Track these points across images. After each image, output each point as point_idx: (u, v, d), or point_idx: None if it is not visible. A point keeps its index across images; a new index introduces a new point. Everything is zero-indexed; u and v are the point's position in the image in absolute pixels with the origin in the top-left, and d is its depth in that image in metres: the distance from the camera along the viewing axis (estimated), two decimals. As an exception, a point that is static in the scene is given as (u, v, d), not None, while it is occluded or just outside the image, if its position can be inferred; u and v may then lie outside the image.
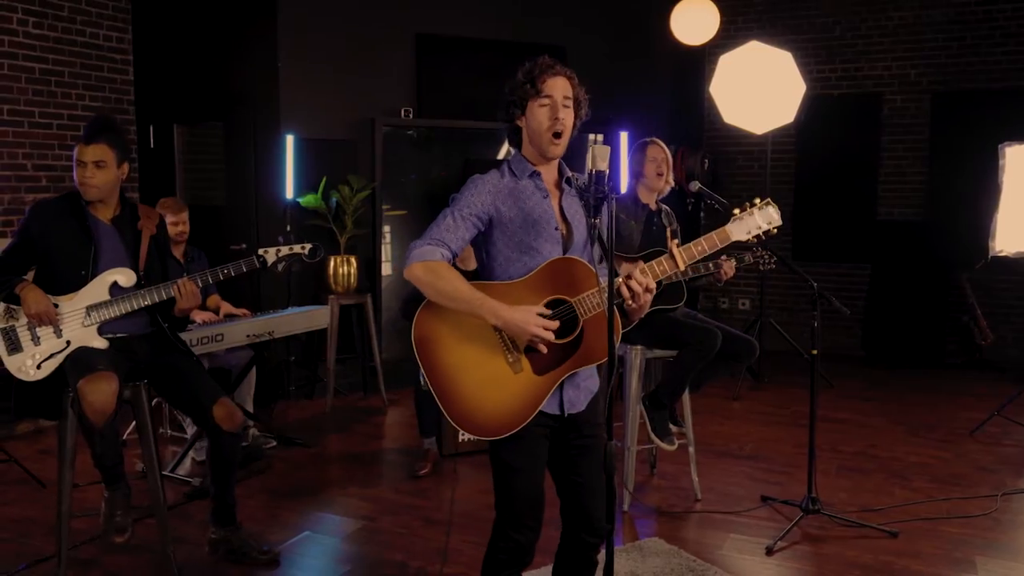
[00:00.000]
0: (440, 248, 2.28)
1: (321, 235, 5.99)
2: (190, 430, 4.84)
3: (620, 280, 2.28)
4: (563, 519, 2.51)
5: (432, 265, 2.26)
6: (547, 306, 2.30)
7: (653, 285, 2.31)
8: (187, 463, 4.70)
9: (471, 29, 6.61)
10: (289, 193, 5.90)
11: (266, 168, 6.02)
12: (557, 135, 2.33)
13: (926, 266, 7.26)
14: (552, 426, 2.39)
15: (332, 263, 5.85)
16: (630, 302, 2.29)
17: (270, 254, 3.39)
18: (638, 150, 4.17)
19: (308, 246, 3.45)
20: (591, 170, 2.16)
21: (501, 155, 6.84)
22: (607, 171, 2.17)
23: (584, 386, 2.43)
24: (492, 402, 2.30)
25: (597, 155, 2.16)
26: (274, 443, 5.04)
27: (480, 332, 2.30)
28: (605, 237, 2.22)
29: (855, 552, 3.59)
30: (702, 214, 7.71)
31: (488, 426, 2.30)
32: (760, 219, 2.49)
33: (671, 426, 4.13)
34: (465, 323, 2.29)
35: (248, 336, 4.56)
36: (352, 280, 5.92)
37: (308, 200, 5.86)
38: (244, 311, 4.80)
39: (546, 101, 2.32)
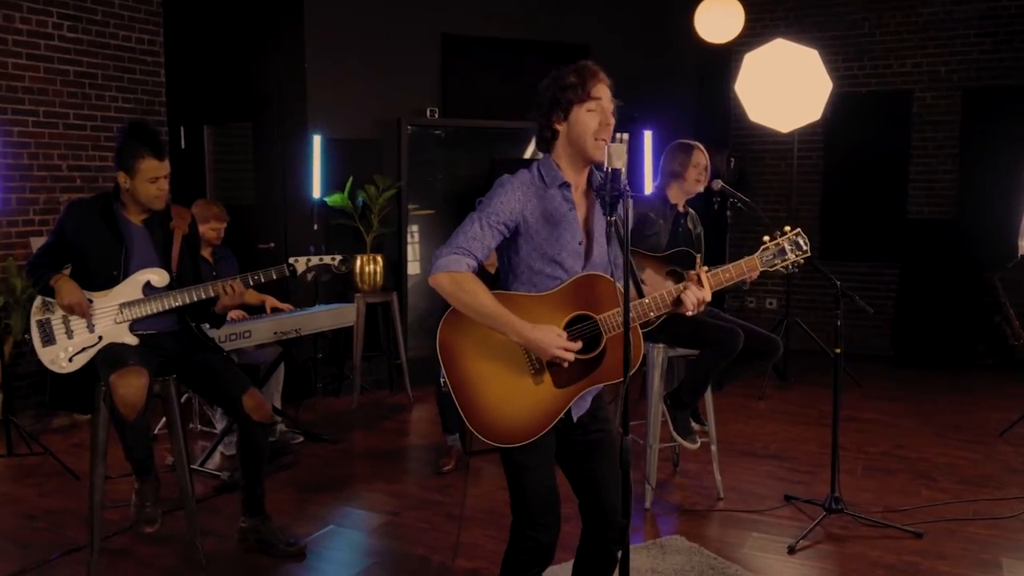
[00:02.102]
0: (465, 257, 2.29)
1: (347, 234, 6.06)
2: (219, 425, 4.93)
3: (680, 287, 2.32)
4: (583, 517, 2.52)
5: (457, 276, 2.27)
6: (572, 322, 2.33)
7: (709, 296, 2.37)
8: (216, 457, 4.79)
9: (496, 29, 6.65)
10: (316, 192, 5.97)
11: (294, 168, 6.11)
12: (602, 142, 2.32)
13: (957, 265, 7.18)
14: (558, 427, 2.41)
15: (358, 262, 5.92)
16: (691, 312, 2.36)
17: (300, 263, 3.46)
18: (681, 152, 4.15)
19: (338, 257, 3.52)
20: (607, 168, 2.18)
21: (527, 155, 6.87)
22: (623, 169, 2.19)
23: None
24: (512, 413, 2.32)
25: (613, 154, 2.17)
26: (301, 439, 5.11)
27: (504, 344, 2.31)
28: (623, 243, 2.21)
29: (878, 552, 3.58)
30: (728, 213, 7.67)
31: (506, 435, 2.33)
32: (789, 249, 2.52)
33: (693, 424, 4.14)
34: (489, 334, 2.31)
35: (275, 333, 4.63)
36: (378, 279, 5.99)
37: (335, 199, 5.93)
38: (288, 306, 4.90)
39: (594, 106, 2.32)
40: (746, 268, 2.48)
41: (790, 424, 5.55)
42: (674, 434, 4.05)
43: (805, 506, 4.05)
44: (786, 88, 5.77)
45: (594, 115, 2.33)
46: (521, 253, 2.37)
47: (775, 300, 8.18)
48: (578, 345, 2.29)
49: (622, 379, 2.27)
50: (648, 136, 6.68)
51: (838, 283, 3.79)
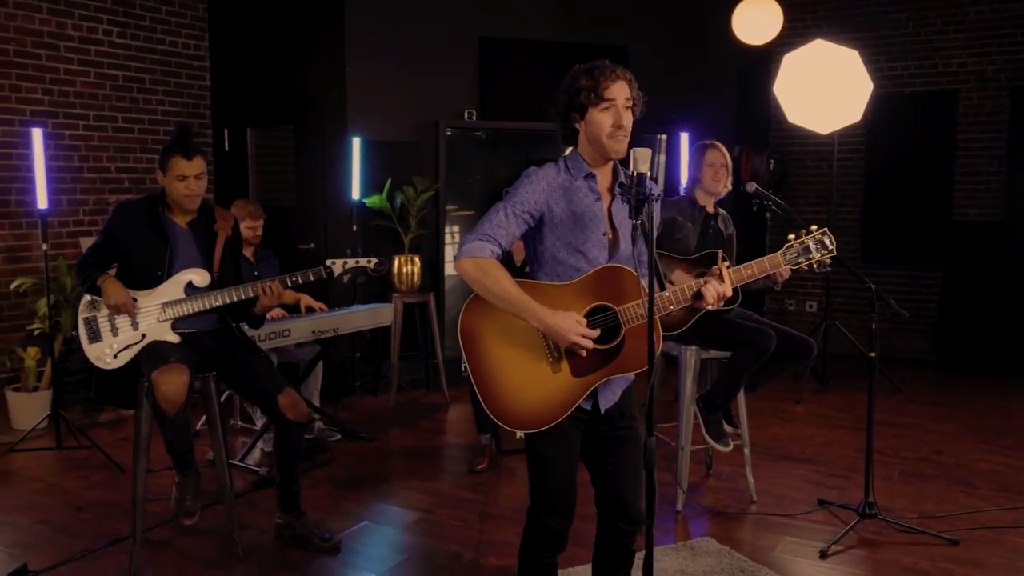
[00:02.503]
0: (490, 244, 2.35)
1: (385, 235, 6.15)
2: (259, 422, 5.04)
3: (700, 282, 2.33)
4: (598, 508, 2.57)
5: (481, 262, 2.33)
6: (592, 312, 2.36)
7: (730, 291, 2.40)
8: (256, 453, 4.90)
9: (534, 32, 6.69)
10: (355, 194, 6.07)
11: (334, 169, 6.21)
12: (619, 137, 2.37)
13: (1003, 268, 7.03)
14: (585, 419, 2.45)
15: (396, 262, 6.00)
16: (711, 307, 2.38)
17: (337, 265, 3.53)
18: (697, 153, 4.17)
19: (374, 260, 3.59)
20: (632, 172, 2.21)
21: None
22: (648, 173, 2.22)
23: (618, 380, 2.47)
24: (528, 399, 2.37)
25: (638, 158, 2.20)
26: (338, 436, 5.20)
27: (524, 331, 2.37)
28: (648, 241, 2.25)
29: (912, 559, 3.55)
30: (767, 215, 7.62)
31: (522, 420, 2.39)
32: (814, 249, 2.52)
33: (726, 427, 4.13)
34: (510, 321, 2.36)
35: (313, 332, 4.73)
36: (416, 279, 6.06)
37: (373, 201, 6.02)
38: (322, 305, 4.98)
39: (607, 106, 2.36)
40: (769, 265, 2.49)
41: (827, 428, 5.50)
42: (706, 436, 4.05)
43: (839, 511, 4.02)
44: (826, 89, 5.72)
45: (608, 115, 2.37)
46: (546, 242, 2.42)
47: (815, 303, 8.10)
48: (596, 333, 2.32)
49: (641, 369, 2.32)
50: (684, 138, 6.67)
51: (873, 286, 3.76)
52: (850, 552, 3.63)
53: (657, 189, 2.34)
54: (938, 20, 7.50)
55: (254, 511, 4.07)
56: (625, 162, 2.49)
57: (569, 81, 2.44)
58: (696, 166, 4.14)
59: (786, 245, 2.53)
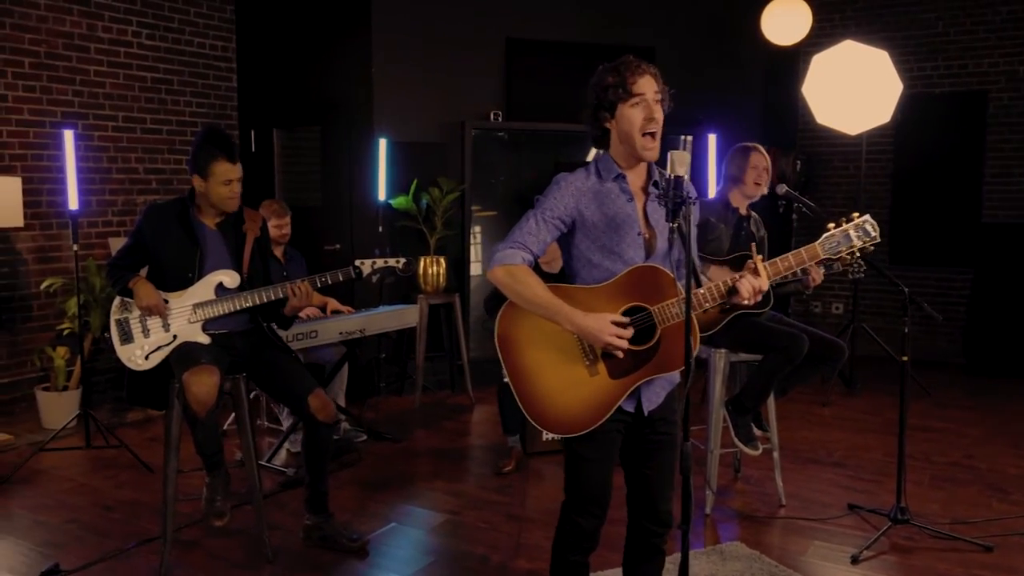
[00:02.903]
0: (521, 251, 2.35)
1: (411, 236, 6.15)
2: (286, 422, 5.05)
3: (735, 276, 2.31)
4: (628, 508, 2.57)
5: (512, 269, 2.33)
6: (626, 313, 2.35)
7: (766, 285, 2.35)
8: (282, 454, 4.92)
9: (560, 32, 6.67)
10: (381, 195, 6.08)
11: (360, 170, 6.23)
12: (651, 135, 2.34)
13: (1034, 271, 6.95)
14: (627, 422, 2.44)
15: (422, 263, 6.01)
16: (747, 301, 2.34)
17: (366, 265, 3.53)
18: (739, 155, 4.12)
19: (403, 260, 3.59)
20: (670, 175, 2.19)
21: (590, 157, 6.87)
22: (686, 177, 2.20)
23: (661, 382, 2.45)
24: (567, 403, 2.37)
25: (676, 161, 2.18)
26: (364, 437, 5.21)
27: (559, 335, 2.36)
28: (686, 243, 2.23)
29: (946, 565, 3.50)
30: (794, 216, 7.56)
31: (562, 425, 2.38)
32: (855, 236, 2.43)
33: (755, 430, 4.10)
34: (545, 325, 2.36)
35: (341, 333, 4.74)
36: (441, 280, 6.07)
37: (399, 202, 6.03)
38: (349, 308, 4.99)
39: (637, 100, 2.34)
40: (807, 256, 2.42)
41: (855, 432, 5.45)
42: (735, 440, 4.02)
43: (869, 515, 3.97)
44: (855, 90, 5.66)
45: (638, 110, 2.35)
46: (580, 247, 2.41)
47: (841, 305, 8.03)
48: (630, 333, 2.31)
49: (678, 370, 2.30)
50: (712, 140, 6.62)
51: (906, 289, 3.71)
52: (882, 558, 3.58)
53: (694, 192, 2.33)
54: (968, 20, 7.41)
55: (282, 512, 4.08)
56: (661, 162, 2.47)
57: (596, 81, 2.42)
58: (738, 168, 4.10)
59: (825, 234, 2.44)
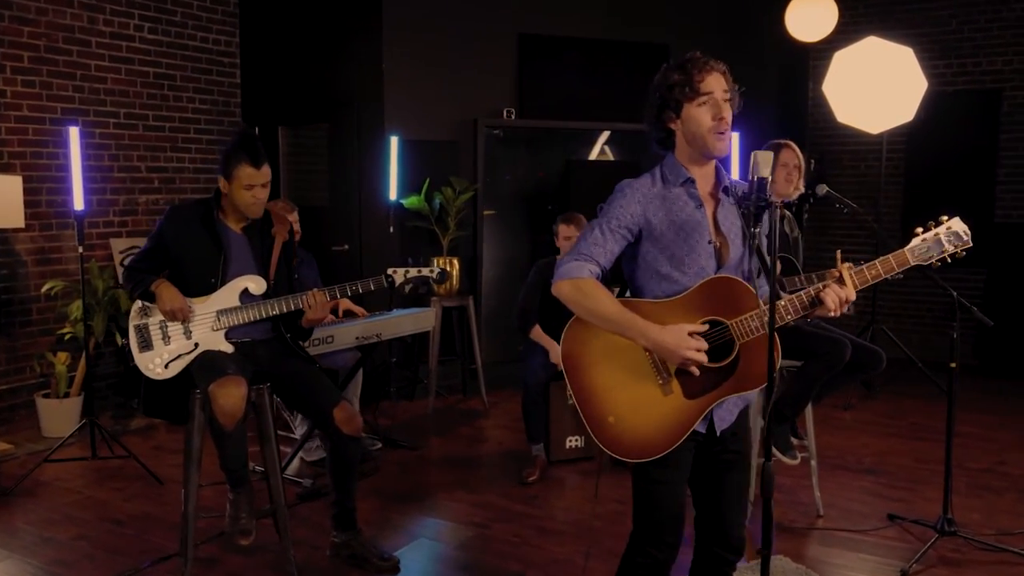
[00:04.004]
0: (588, 264, 2.21)
1: (422, 237, 5.99)
2: (299, 431, 4.88)
3: (819, 287, 2.18)
4: (697, 532, 2.42)
5: (579, 283, 2.19)
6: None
7: (853, 295, 2.20)
8: (296, 463, 4.74)
9: (574, 29, 6.52)
10: (392, 194, 5.91)
11: (370, 169, 6.06)
12: (722, 130, 2.20)
13: (1049, 272, 6.87)
14: (698, 441, 2.29)
15: (435, 265, 5.83)
16: (833, 314, 2.19)
17: (399, 274, 3.38)
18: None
19: (436, 270, 3.44)
20: (752, 177, 2.05)
21: (593, 155, 6.73)
22: (768, 178, 2.06)
23: (734, 399, 2.31)
24: (639, 425, 2.22)
25: (760, 162, 2.04)
26: (380, 445, 5.05)
27: (629, 352, 2.21)
28: (766, 249, 2.10)
29: (998, 579, 3.39)
30: (805, 216, 7.44)
31: (634, 449, 2.23)
32: (946, 241, 2.28)
33: (792, 439, 3.98)
34: (614, 342, 2.21)
35: (357, 338, 4.57)
36: (454, 282, 5.91)
37: (412, 202, 5.86)
38: (362, 310, 4.82)
39: (705, 99, 2.20)
40: (895, 263, 2.26)
41: (881, 436, 5.34)
42: (774, 449, 3.89)
43: (912, 526, 3.85)
44: (878, 88, 5.55)
45: (706, 109, 2.21)
46: (647, 258, 2.26)
47: (853, 306, 7.91)
48: (707, 345, 2.16)
49: (760, 387, 2.16)
50: (736, 138, 6.50)
51: (954, 293, 3.60)
52: (931, 572, 3.46)
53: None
54: (981, 17, 7.32)
55: (303, 526, 3.91)
56: (728, 164, 2.33)
57: (660, 79, 2.28)
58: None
59: (914, 239, 2.28)
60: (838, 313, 2.20)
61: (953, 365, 3.64)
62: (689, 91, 2.21)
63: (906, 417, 5.72)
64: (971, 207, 7.34)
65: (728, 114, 2.23)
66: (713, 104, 2.21)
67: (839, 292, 2.19)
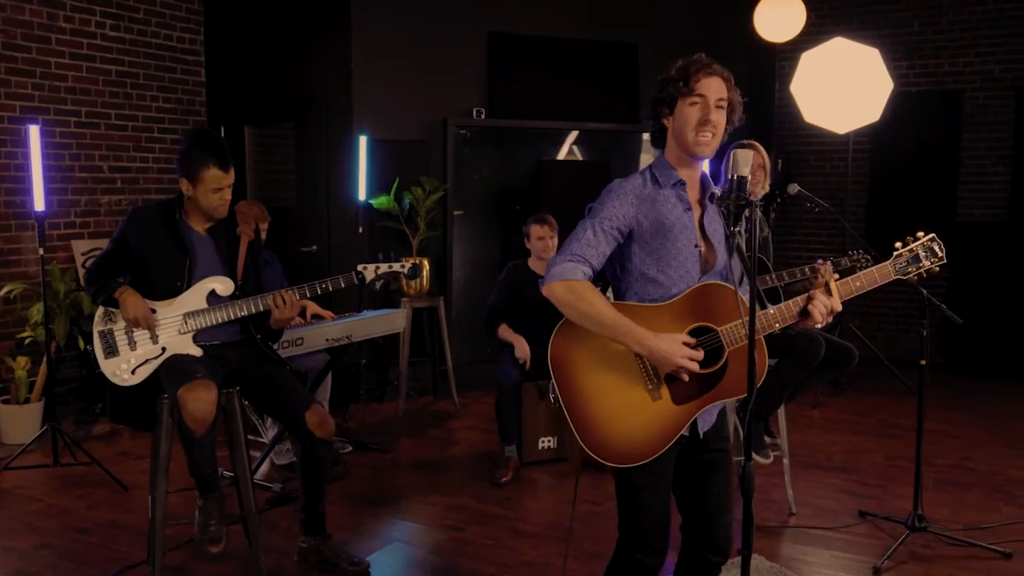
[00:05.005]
0: (581, 265, 2.18)
1: (392, 237, 5.94)
2: (268, 434, 4.81)
3: (804, 297, 2.20)
4: (684, 536, 2.41)
5: (573, 285, 2.15)
6: (691, 334, 2.20)
7: (839, 306, 2.21)
8: (265, 468, 4.67)
9: (544, 28, 6.49)
10: (361, 195, 5.84)
11: (338, 169, 5.99)
12: (705, 132, 2.20)
13: (1010, 270, 6.98)
14: (681, 444, 2.28)
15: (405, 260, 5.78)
16: (819, 325, 2.20)
17: (369, 270, 3.32)
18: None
19: (407, 264, 3.39)
20: (732, 176, 2.04)
21: (563, 155, 6.72)
22: (748, 178, 2.06)
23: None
24: (627, 430, 2.20)
25: (740, 160, 2.04)
26: (350, 448, 4.99)
27: (619, 357, 2.20)
28: (745, 253, 2.09)
29: (968, 574, 3.42)
30: (773, 215, 7.51)
31: (622, 454, 2.21)
32: (923, 256, 2.36)
33: (765, 438, 4.00)
34: (604, 347, 2.19)
35: (327, 340, 4.50)
36: (424, 283, 5.86)
37: (381, 202, 5.80)
38: (330, 313, 4.75)
39: (697, 100, 2.19)
40: (878, 277, 2.33)
41: (850, 434, 5.39)
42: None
43: (883, 523, 3.89)
44: (845, 88, 5.60)
45: (696, 109, 2.21)
46: (635, 260, 2.25)
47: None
48: (701, 355, 2.16)
49: (745, 395, 2.15)
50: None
51: (924, 291, 3.63)
52: (903, 568, 3.49)
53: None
54: (944, 19, 7.43)
55: (272, 532, 3.84)
56: (716, 174, 2.33)
57: (662, 74, 2.29)
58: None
59: (895, 254, 2.37)
60: (824, 323, 2.22)
61: (923, 362, 3.67)
62: (684, 87, 2.21)
63: (874, 414, 5.78)
64: (934, 207, 7.49)
65: (717, 118, 2.22)
66: (704, 105, 2.20)
67: (826, 303, 2.20)
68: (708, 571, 2.37)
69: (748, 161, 2.05)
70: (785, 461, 4.07)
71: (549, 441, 4.74)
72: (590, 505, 4.09)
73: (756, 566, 3.47)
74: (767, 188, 4.03)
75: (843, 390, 6.40)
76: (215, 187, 3.16)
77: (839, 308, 2.23)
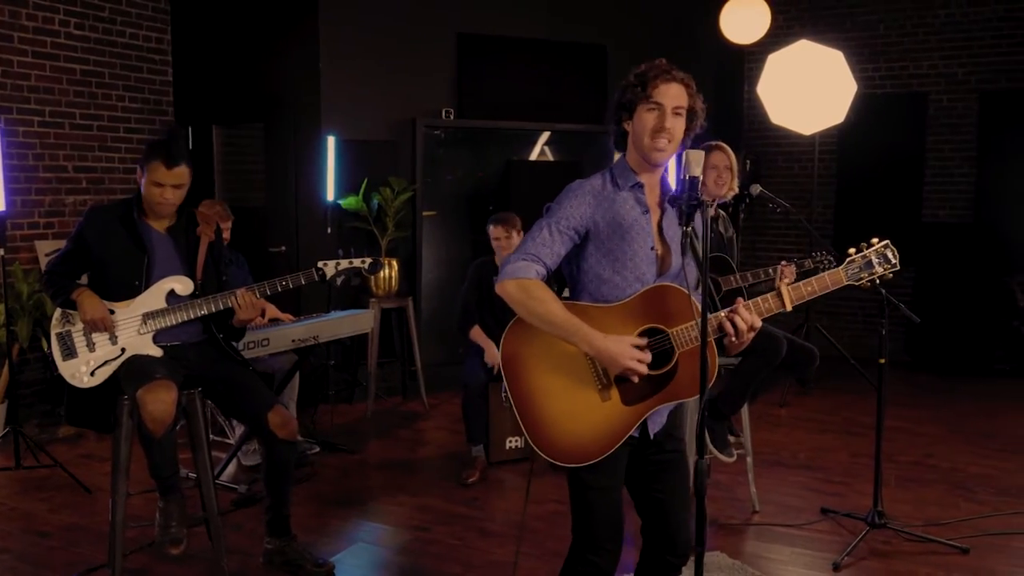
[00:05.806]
0: (535, 264, 2.19)
1: (361, 237, 5.92)
2: (234, 434, 4.78)
3: (723, 315, 2.19)
4: (644, 538, 2.42)
5: (525, 283, 2.16)
6: (642, 335, 2.21)
7: (759, 323, 2.21)
8: (231, 468, 4.64)
9: (513, 29, 6.50)
10: (330, 195, 5.82)
11: (306, 169, 5.96)
12: (660, 139, 2.21)
13: (974, 270, 7.08)
14: (632, 444, 2.29)
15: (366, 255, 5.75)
16: (732, 339, 2.19)
17: (329, 267, 3.30)
18: None
19: (368, 260, 3.37)
20: (684, 176, 2.07)
21: (534, 156, 6.74)
22: (700, 178, 2.08)
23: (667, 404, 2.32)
24: (577, 430, 2.21)
25: (692, 161, 2.06)
26: (317, 449, 4.97)
27: (570, 356, 2.21)
28: (700, 250, 2.11)
29: (927, 569, 3.47)
30: (741, 216, 7.57)
31: (569, 453, 2.22)
32: (876, 263, 2.37)
33: (729, 436, 4.03)
34: (556, 346, 2.20)
35: (293, 341, 4.48)
36: (393, 283, 5.85)
37: (349, 202, 5.79)
38: (288, 316, 4.73)
39: (654, 107, 2.21)
40: (830, 282, 2.34)
41: (816, 432, 5.45)
42: (710, 447, 3.93)
43: (844, 520, 3.93)
44: (810, 90, 5.67)
45: (653, 115, 2.22)
46: (590, 260, 2.26)
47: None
48: (650, 357, 2.17)
49: (695, 397, 2.17)
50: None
51: (883, 291, 3.67)
52: (862, 564, 3.54)
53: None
54: (908, 23, 7.53)
55: (237, 533, 3.82)
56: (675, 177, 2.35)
57: (624, 79, 2.30)
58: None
59: (847, 260, 2.38)
60: (740, 341, 2.20)
61: (882, 361, 3.72)
62: (641, 91, 2.23)
63: (840, 413, 5.85)
64: (900, 207, 7.59)
65: (673, 125, 2.22)
66: (661, 113, 2.22)
67: (746, 318, 2.19)
68: (668, 573, 2.38)
69: (700, 161, 2.07)
70: (749, 459, 4.11)
71: (516, 441, 4.75)
72: (555, 504, 4.10)
73: (718, 563, 3.50)
74: (735, 189, 4.06)
75: (810, 389, 6.46)
76: (156, 181, 3.14)
77: (759, 325, 2.22)
